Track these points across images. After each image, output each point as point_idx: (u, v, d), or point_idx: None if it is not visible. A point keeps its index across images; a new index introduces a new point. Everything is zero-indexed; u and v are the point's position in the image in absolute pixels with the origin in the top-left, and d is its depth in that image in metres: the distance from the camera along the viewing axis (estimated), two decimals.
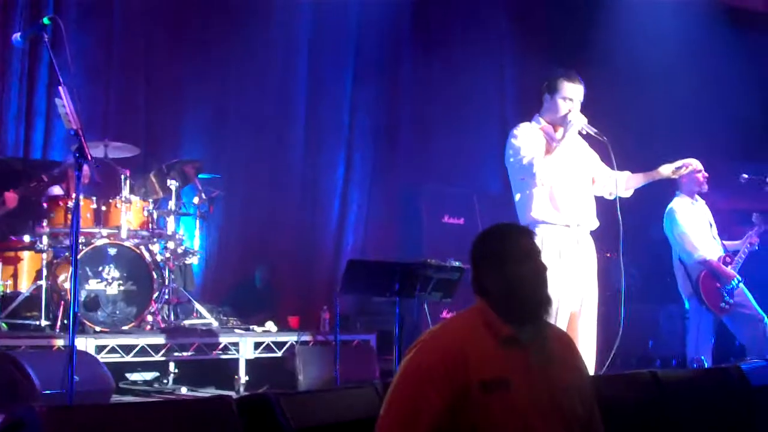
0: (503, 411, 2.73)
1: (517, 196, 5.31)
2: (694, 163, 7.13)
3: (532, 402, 2.76)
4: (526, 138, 5.22)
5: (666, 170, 5.63)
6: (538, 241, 5.03)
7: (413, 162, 10.97)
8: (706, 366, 6.73)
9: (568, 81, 5.28)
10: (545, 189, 5.17)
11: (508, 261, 2.86)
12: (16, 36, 4.99)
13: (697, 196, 7.27)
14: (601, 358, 5.38)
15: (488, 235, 2.97)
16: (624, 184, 5.54)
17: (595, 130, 5.28)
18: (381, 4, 10.61)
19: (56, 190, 7.75)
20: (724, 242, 7.33)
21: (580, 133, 5.32)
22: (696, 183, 7.16)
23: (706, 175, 7.16)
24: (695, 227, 7.18)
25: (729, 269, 7.07)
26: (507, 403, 2.73)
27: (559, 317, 5.01)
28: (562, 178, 5.18)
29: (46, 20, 4.70)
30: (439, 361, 2.74)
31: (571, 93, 5.27)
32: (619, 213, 5.29)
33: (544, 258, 4.98)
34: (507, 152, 5.29)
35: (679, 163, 5.68)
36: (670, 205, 7.25)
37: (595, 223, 5.36)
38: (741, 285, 7.10)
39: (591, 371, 5.13)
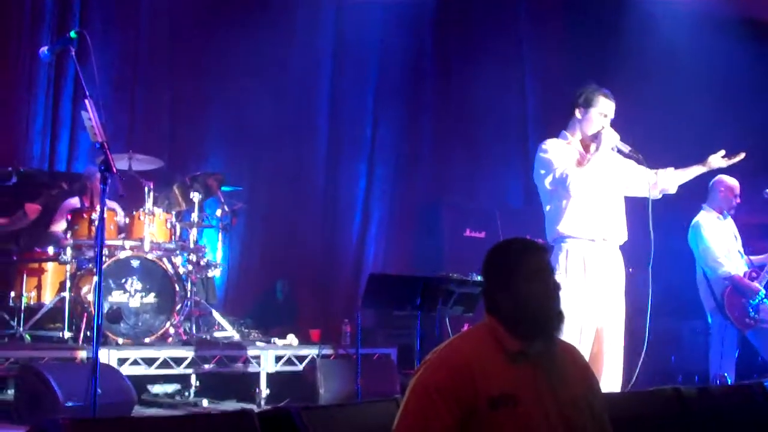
0: (512, 426, 2.73)
1: (547, 208, 5.25)
2: (732, 181, 7.15)
3: (541, 417, 2.76)
4: (557, 151, 5.16)
5: (715, 161, 5.48)
6: (563, 255, 5.07)
7: (435, 176, 10.99)
8: (729, 382, 6.67)
9: (605, 97, 5.20)
10: (573, 202, 5.12)
11: (517, 278, 2.86)
12: (44, 50, 5.04)
13: (724, 211, 7.24)
14: (626, 374, 5.34)
15: (498, 251, 2.97)
16: (670, 180, 5.43)
17: (629, 148, 5.21)
18: (403, 19, 10.66)
19: (74, 201, 7.80)
20: (750, 257, 7.29)
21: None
22: (729, 204, 7.17)
23: (739, 200, 7.16)
24: (720, 242, 7.14)
25: (754, 284, 7.02)
26: (515, 418, 2.73)
27: (584, 332, 4.98)
28: (591, 192, 5.13)
29: (72, 34, 4.73)
30: (447, 379, 2.75)
31: (607, 109, 5.20)
32: (651, 227, 5.24)
33: (570, 273, 5.02)
34: (536, 167, 5.23)
35: (722, 152, 5.51)
36: (695, 219, 7.22)
37: (623, 238, 5.30)
38: (766, 300, 7.05)
39: (617, 387, 5.11)
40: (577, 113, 5.26)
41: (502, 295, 2.88)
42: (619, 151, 5.28)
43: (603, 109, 5.20)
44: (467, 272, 6.36)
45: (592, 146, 5.21)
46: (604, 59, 10.40)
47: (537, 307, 2.84)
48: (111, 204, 7.40)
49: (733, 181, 7.20)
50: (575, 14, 11.23)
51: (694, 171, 5.51)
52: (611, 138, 5.16)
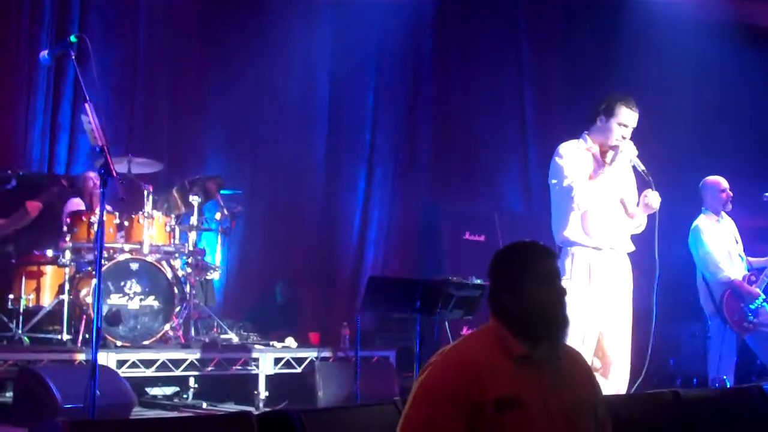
0: (516, 429, 2.73)
1: (554, 215, 5.31)
2: (715, 178, 7.21)
3: (545, 420, 2.77)
4: (570, 158, 5.20)
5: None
6: (569, 260, 5.12)
7: (434, 179, 10.98)
8: (728, 385, 6.68)
9: (627, 107, 5.22)
10: (581, 211, 5.16)
11: (527, 281, 2.86)
12: (44, 54, 5.04)
13: (723, 213, 7.26)
14: (631, 378, 5.38)
15: (509, 254, 2.97)
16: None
17: (643, 168, 5.26)
18: (402, 23, 10.66)
19: (77, 203, 7.80)
20: (749, 259, 7.30)
21: None
22: (720, 202, 7.19)
23: (731, 194, 7.17)
24: (720, 246, 7.15)
25: (754, 288, 7.03)
26: (520, 421, 2.73)
27: (586, 337, 5.02)
28: (600, 201, 5.17)
29: (73, 38, 4.73)
30: (454, 381, 2.74)
31: (627, 119, 5.22)
32: (656, 234, 5.27)
33: (574, 278, 5.07)
34: (550, 170, 5.29)
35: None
36: (695, 223, 7.24)
37: (630, 247, 5.34)
38: (765, 304, 7.06)
39: (624, 390, 5.13)
40: (598, 121, 5.29)
41: (510, 298, 2.87)
42: (634, 168, 5.32)
43: (623, 119, 5.22)
44: (467, 275, 6.35)
45: (609, 155, 5.23)
46: (602, 64, 10.42)
47: (544, 311, 2.85)
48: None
49: (714, 179, 7.25)
50: (574, 20, 11.24)
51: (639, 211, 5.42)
52: (629, 152, 5.20)
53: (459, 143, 11.18)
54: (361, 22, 10.37)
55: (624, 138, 5.21)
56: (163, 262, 7.35)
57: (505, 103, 11.43)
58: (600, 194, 5.14)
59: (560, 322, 2.89)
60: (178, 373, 6.97)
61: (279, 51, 9.85)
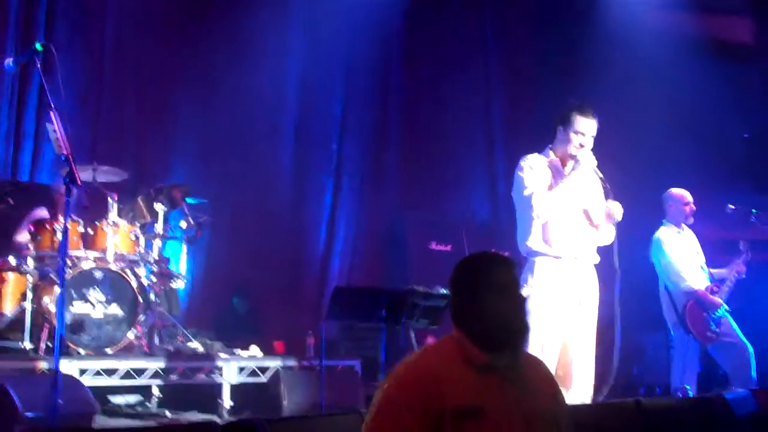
0: None
1: (519, 226, 5.38)
2: (679, 191, 7.29)
3: (507, 429, 2.78)
4: (531, 170, 5.27)
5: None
6: (530, 270, 5.17)
7: (401, 189, 11.00)
8: (690, 395, 6.75)
9: (581, 115, 5.28)
10: (542, 221, 5.22)
11: (484, 292, 2.88)
12: (9, 61, 5.02)
13: (683, 225, 7.33)
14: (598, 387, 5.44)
15: (465, 265, 3.00)
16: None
17: (601, 175, 5.33)
18: (371, 32, 10.68)
19: (42, 212, 7.72)
20: (711, 270, 7.38)
21: None
22: (683, 215, 7.26)
23: (694, 208, 7.25)
24: (682, 257, 7.22)
25: (716, 298, 7.11)
26: (481, 430, 2.74)
27: (546, 346, 5.06)
28: (561, 212, 5.23)
29: (38, 46, 4.72)
30: (415, 391, 2.76)
31: (584, 127, 5.28)
32: (615, 244, 5.34)
33: (535, 288, 5.12)
34: (513, 184, 5.37)
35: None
36: (656, 234, 7.30)
37: (595, 258, 5.39)
38: (727, 314, 7.13)
39: (588, 399, 5.17)
40: (558, 132, 5.37)
41: (468, 308, 2.90)
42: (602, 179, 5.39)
43: (579, 127, 5.28)
44: (433, 285, 6.37)
45: (569, 165, 5.29)
46: (571, 77, 10.49)
47: (503, 320, 2.87)
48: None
49: (679, 191, 7.33)
50: (542, 32, 11.34)
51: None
52: (587, 161, 5.25)
53: (426, 152, 11.21)
54: (331, 31, 10.37)
55: (582, 146, 5.27)
56: (128, 271, 7.29)
57: (473, 111, 11.49)
58: (560, 204, 5.21)
59: (520, 330, 2.92)
60: (141, 381, 6.91)
61: (248, 59, 9.83)
